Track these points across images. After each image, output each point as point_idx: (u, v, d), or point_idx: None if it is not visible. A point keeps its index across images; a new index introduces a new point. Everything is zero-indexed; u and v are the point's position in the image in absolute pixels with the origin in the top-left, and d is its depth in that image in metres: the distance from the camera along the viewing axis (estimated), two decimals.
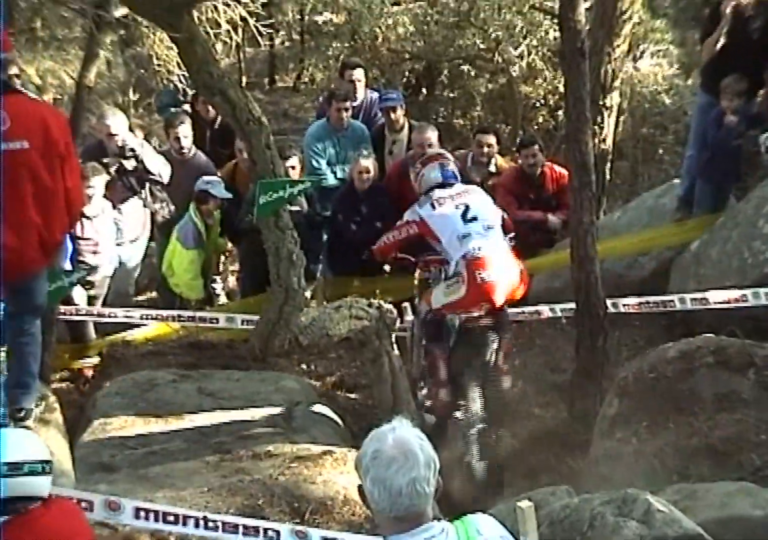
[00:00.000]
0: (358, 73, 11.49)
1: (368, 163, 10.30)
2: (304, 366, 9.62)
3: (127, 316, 9.47)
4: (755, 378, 7.16)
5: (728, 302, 8.64)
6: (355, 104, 11.26)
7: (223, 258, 11.52)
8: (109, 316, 9.48)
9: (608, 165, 12.58)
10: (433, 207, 7.85)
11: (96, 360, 9.60)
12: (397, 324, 8.40)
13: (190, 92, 11.29)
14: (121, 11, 8.72)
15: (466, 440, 7.82)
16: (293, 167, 9.96)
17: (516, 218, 10.13)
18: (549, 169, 10.58)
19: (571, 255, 8.31)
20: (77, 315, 9.35)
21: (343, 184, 10.80)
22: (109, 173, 9.89)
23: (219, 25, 9.50)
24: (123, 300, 10.30)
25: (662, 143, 15.91)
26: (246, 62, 20.21)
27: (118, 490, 6.59)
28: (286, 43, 21.56)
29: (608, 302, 8.44)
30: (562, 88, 11.46)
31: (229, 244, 11.26)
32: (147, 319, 9.55)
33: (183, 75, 9.57)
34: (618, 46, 11.97)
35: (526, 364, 9.50)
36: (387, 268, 10.30)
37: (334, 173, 11.02)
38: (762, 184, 9.62)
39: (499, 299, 7.78)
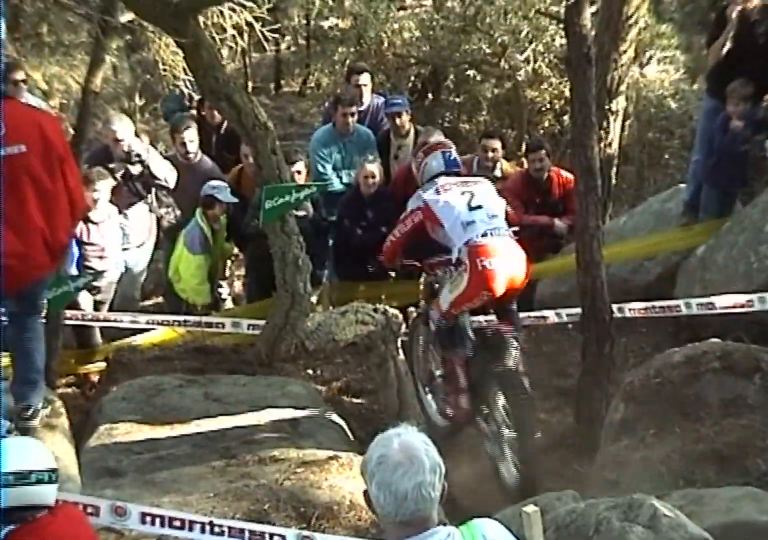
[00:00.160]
0: (365, 78, 11.50)
1: (374, 167, 10.31)
2: (310, 371, 9.61)
3: (133, 321, 9.46)
4: (761, 383, 7.16)
5: (734, 307, 8.63)
6: (361, 109, 11.27)
7: (229, 263, 11.51)
8: (116, 321, 9.49)
9: (614, 169, 12.57)
10: (438, 192, 7.75)
11: (102, 365, 9.61)
12: (403, 329, 8.40)
13: (196, 97, 11.30)
14: (127, 16, 8.73)
15: (496, 447, 7.74)
16: (299, 172, 9.96)
17: (522, 223, 10.13)
18: (555, 174, 10.59)
19: (576, 260, 8.30)
20: (83, 320, 9.35)
21: (348, 189, 10.81)
22: (115, 178, 9.91)
23: (224, 30, 9.48)
24: (129, 305, 10.31)
25: (668, 148, 15.91)
26: (252, 67, 20.19)
27: (124, 495, 6.60)
28: (292, 48, 21.56)
29: (614, 307, 8.44)
30: (567, 93, 11.47)
31: (236, 249, 11.26)
32: (153, 324, 9.55)
33: (189, 80, 9.57)
34: (624, 51, 11.97)
35: (532, 369, 9.50)
36: (392, 273, 10.29)
37: (340, 178, 11.02)
38: None
39: (499, 288, 7.63)
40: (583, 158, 8.04)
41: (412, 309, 9.30)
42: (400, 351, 8.27)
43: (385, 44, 15.88)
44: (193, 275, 10.19)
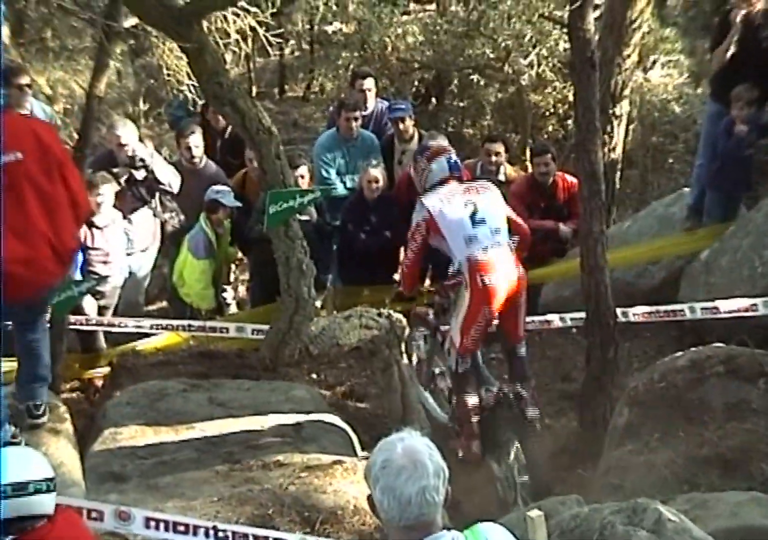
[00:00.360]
0: (369, 83, 11.51)
1: (377, 172, 10.31)
2: (314, 375, 9.60)
3: (137, 326, 9.48)
4: (765, 387, 7.16)
5: (738, 311, 8.63)
6: (365, 114, 11.28)
7: (233, 267, 11.52)
8: (120, 326, 9.51)
9: (618, 174, 12.58)
10: (442, 202, 7.65)
11: (106, 370, 9.61)
12: (406, 333, 8.39)
13: (200, 102, 11.32)
14: (130, 21, 8.74)
15: (509, 491, 7.70)
16: (302, 176, 9.98)
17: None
18: (560, 179, 10.58)
19: (581, 264, 8.29)
20: (88, 325, 9.38)
21: (352, 194, 10.82)
22: (119, 183, 9.93)
23: (228, 35, 9.51)
24: (133, 310, 10.32)
25: (672, 152, 15.88)
26: (256, 72, 20.20)
27: (128, 500, 6.61)
28: (296, 53, 21.53)
29: (618, 311, 8.43)
30: (571, 97, 11.47)
31: (240, 254, 11.27)
32: (157, 328, 9.56)
33: (193, 85, 9.57)
34: (628, 55, 11.98)
35: (536, 374, 9.50)
36: (396, 277, 10.28)
37: (344, 183, 11.03)
38: None
39: (498, 303, 7.67)
40: (587, 163, 8.03)
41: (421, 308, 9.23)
42: (404, 355, 8.27)
43: (389, 49, 15.86)
44: (197, 280, 10.20)
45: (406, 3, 16.67)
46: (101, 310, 9.83)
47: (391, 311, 8.27)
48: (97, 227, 9.59)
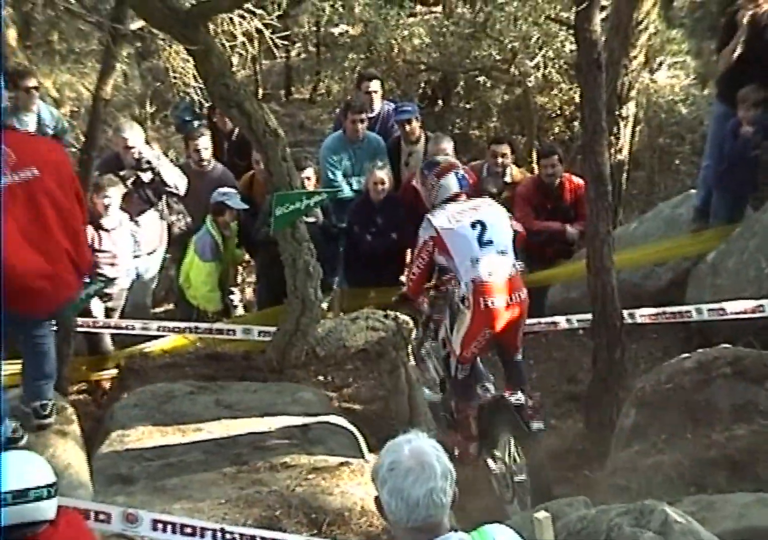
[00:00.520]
0: (375, 85, 11.51)
1: (383, 174, 10.32)
2: (321, 377, 9.63)
3: (144, 328, 9.48)
4: None
5: (745, 312, 8.62)
6: (371, 116, 11.28)
7: (240, 269, 11.53)
8: (127, 328, 9.51)
9: (624, 175, 12.57)
10: (450, 222, 7.69)
11: (113, 372, 9.63)
12: (413, 335, 8.39)
13: (207, 104, 11.34)
14: (137, 24, 8.76)
15: (504, 489, 7.73)
16: (308, 178, 9.97)
17: (534, 229, 10.14)
18: (567, 180, 10.57)
19: (587, 265, 8.29)
20: (95, 327, 9.39)
21: (358, 196, 10.82)
22: (125, 185, 9.94)
23: (235, 38, 9.52)
24: (140, 312, 10.33)
25: (679, 153, 15.88)
26: (262, 74, 20.23)
27: (135, 502, 6.62)
28: (302, 55, 21.57)
29: (625, 313, 8.44)
30: (578, 99, 11.46)
31: (247, 256, 11.27)
32: (164, 331, 9.56)
33: (199, 87, 9.59)
34: (634, 56, 11.97)
35: (543, 375, 9.50)
36: (403, 278, 10.28)
37: (350, 185, 11.03)
38: None
39: (500, 325, 7.72)
40: (593, 164, 8.04)
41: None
42: (411, 357, 8.27)
43: (395, 51, 15.87)
44: (203, 282, 10.22)
45: (413, 5, 16.67)
46: (108, 313, 9.84)
47: (398, 313, 8.25)
48: (105, 229, 9.61)
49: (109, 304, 9.84)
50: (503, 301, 7.57)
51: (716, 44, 10.72)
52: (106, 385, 9.62)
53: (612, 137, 11.26)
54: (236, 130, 11.07)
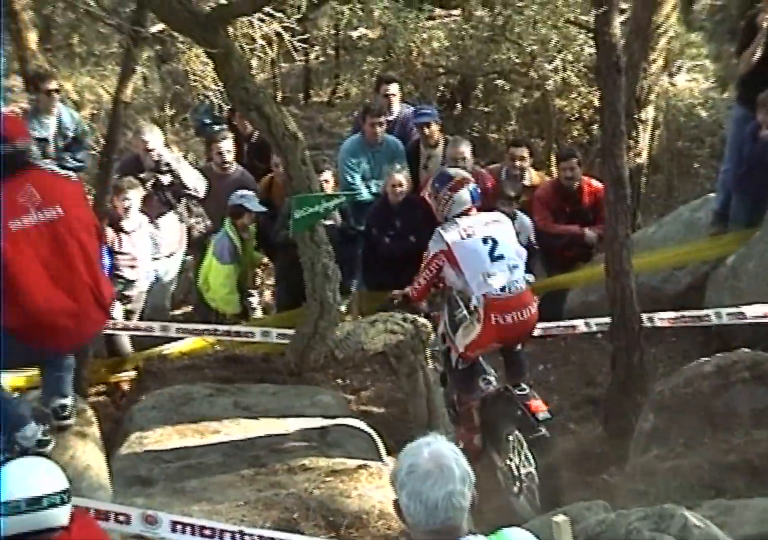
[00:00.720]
0: (394, 88, 11.52)
1: (401, 176, 10.32)
2: (339, 380, 9.64)
3: (163, 330, 9.50)
4: None
5: (764, 317, 8.60)
6: (390, 119, 11.29)
7: (259, 272, 11.54)
8: (146, 330, 9.53)
9: (643, 179, 12.55)
10: (461, 237, 7.71)
11: (132, 374, 9.66)
12: (432, 338, 8.39)
13: (226, 107, 11.37)
14: (157, 27, 8.78)
15: (510, 482, 7.77)
16: (326, 181, 9.98)
17: (552, 232, 10.14)
18: (586, 183, 10.56)
19: (606, 269, 8.28)
20: (114, 329, 9.40)
21: (377, 199, 10.83)
22: (145, 188, 9.97)
23: (254, 41, 9.53)
24: (159, 314, 10.35)
25: (698, 157, 15.84)
26: (281, 77, 20.24)
27: (154, 504, 6.64)
28: (321, 58, 21.58)
29: (644, 316, 8.42)
30: (596, 102, 11.45)
31: (265, 258, 11.29)
32: (183, 333, 9.58)
33: (219, 90, 9.61)
34: (654, 60, 11.96)
35: (561, 379, 9.49)
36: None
37: (369, 188, 11.03)
38: None
39: (509, 340, 7.77)
40: (612, 167, 8.03)
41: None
42: (430, 360, 8.28)
43: (414, 54, 15.85)
44: (222, 284, 10.23)
45: (432, 8, 16.64)
46: (128, 315, 9.88)
47: (416, 316, 8.25)
48: (125, 232, 9.65)
49: (129, 307, 9.87)
50: (514, 316, 7.61)
51: (736, 47, 10.69)
52: (125, 386, 9.64)
53: (631, 140, 11.25)
54: (256, 133, 11.09)
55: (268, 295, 12.38)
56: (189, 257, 11.07)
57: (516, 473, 7.72)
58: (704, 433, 7.10)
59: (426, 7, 16.21)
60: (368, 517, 6.78)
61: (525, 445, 7.57)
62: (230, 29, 7.81)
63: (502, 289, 7.57)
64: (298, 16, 9.94)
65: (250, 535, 6.17)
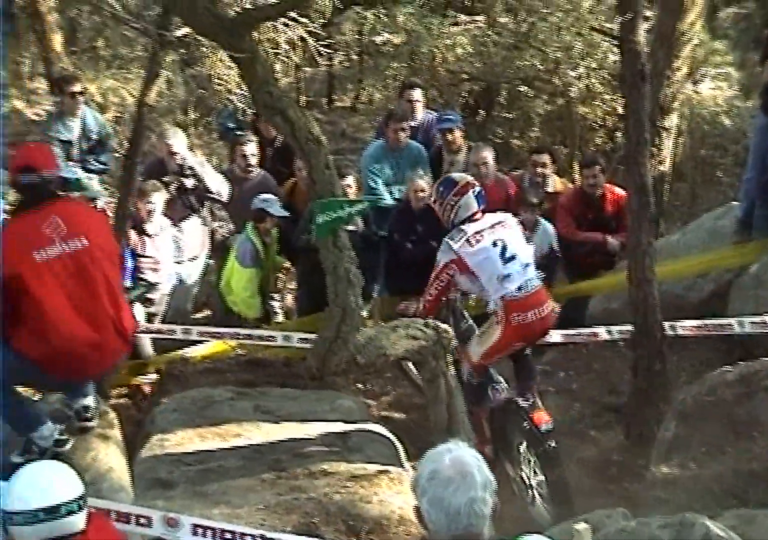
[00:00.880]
0: (418, 94, 11.52)
1: (423, 182, 10.31)
2: (360, 385, 9.64)
3: (185, 333, 9.52)
4: None
5: None
6: (414, 124, 11.29)
7: (281, 276, 11.54)
8: (168, 333, 9.56)
9: (667, 186, 12.53)
10: (470, 243, 7.73)
11: (154, 377, 9.68)
12: (453, 343, 8.39)
13: (249, 111, 11.40)
14: (182, 31, 8.80)
15: (524, 492, 7.83)
16: (349, 186, 9.99)
17: (575, 239, 10.13)
18: (608, 191, 10.53)
19: (628, 277, 8.28)
20: (136, 332, 9.41)
21: (399, 204, 10.83)
22: (169, 191, 10.00)
23: (278, 45, 9.55)
24: (181, 317, 10.38)
25: (721, 165, 15.80)
26: (304, 82, 20.28)
27: (175, 507, 6.64)
28: (345, 63, 21.59)
29: (666, 325, 8.41)
30: (620, 110, 11.44)
31: (287, 263, 11.29)
32: (205, 336, 9.60)
33: (242, 94, 9.63)
34: (678, 68, 11.94)
35: (583, 386, 9.47)
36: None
37: (391, 193, 11.02)
38: None
39: (531, 339, 7.84)
40: (636, 175, 8.02)
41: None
42: (451, 366, 8.27)
43: (438, 60, 15.87)
44: (243, 288, 10.23)
45: (456, 14, 16.65)
46: (150, 317, 9.90)
47: (438, 322, 8.24)
48: (148, 235, 9.68)
49: (151, 309, 9.90)
50: (534, 314, 7.67)
51: (760, 56, 10.68)
52: (147, 389, 9.67)
53: (654, 148, 11.24)
54: (279, 138, 11.10)
55: (290, 299, 12.39)
56: (211, 261, 11.08)
57: (528, 483, 7.80)
58: (726, 442, 7.08)
59: (450, 13, 16.26)
60: (388, 522, 6.78)
61: (533, 454, 7.62)
62: (255, 33, 7.83)
63: (519, 288, 7.64)
64: (323, 21, 9.97)
65: (271, 539, 6.17)
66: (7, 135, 16.49)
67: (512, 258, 7.70)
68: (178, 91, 17.22)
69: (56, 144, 10.61)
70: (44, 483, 4.68)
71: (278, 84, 7.88)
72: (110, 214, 10.17)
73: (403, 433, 8.43)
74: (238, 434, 7.78)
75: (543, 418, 7.67)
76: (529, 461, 7.74)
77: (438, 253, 7.97)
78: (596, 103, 15.49)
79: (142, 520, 6.10)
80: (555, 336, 9.11)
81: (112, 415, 7.82)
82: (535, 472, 7.72)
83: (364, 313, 8.90)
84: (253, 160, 10.73)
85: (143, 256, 9.64)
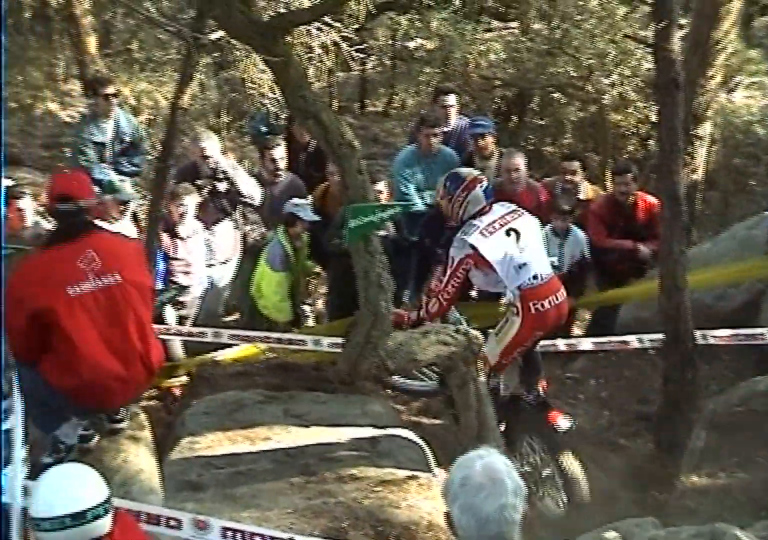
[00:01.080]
0: (451, 99, 11.51)
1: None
2: (390, 390, 9.64)
3: (215, 336, 9.54)
4: None
5: None
6: (447, 130, 11.28)
7: (312, 280, 11.56)
8: (199, 336, 9.58)
9: (699, 195, 12.48)
10: (484, 235, 7.71)
11: (185, 379, 9.69)
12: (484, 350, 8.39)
13: (282, 115, 11.43)
14: (216, 34, 8.84)
15: (532, 485, 7.80)
16: (381, 191, 9.99)
17: (606, 246, 10.10)
18: (640, 199, 10.49)
19: (660, 285, 8.26)
20: (167, 334, 9.45)
21: (430, 210, 10.82)
22: (201, 194, 10.04)
23: (311, 49, 9.58)
24: (212, 320, 10.41)
25: (754, 174, 15.72)
26: (337, 86, 20.30)
27: (204, 509, 6.66)
28: (378, 68, 21.63)
29: (697, 334, 8.38)
30: (653, 118, 11.41)
31: (318, 267, 11.31)
32: (235, 339, 9.62)
33: (275, 98, 9.66)
34: (712, 76, 11.90)
35: (613, 394, 9.45)
36: (474, 293, 10.27)
37: (423, 199, 11.01)
38: None
39: (550, 325, 7.83)
40: (669, 184, 8.01)
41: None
42: (482, 372, 8.27)
43: (471, 66, 15.88)
44: (274, 292, 10.24)
45: (489, 20, 16.67)
46: (181, 320, 9.94)
47: (469, 328, 8.24)
48: (180, 238, 9.71)
49: (182, 312, 9.94)
50: (551, 301, 7.69)
51: None
52: (177, 392, 9.68)
53: (687, 156, 11.20)
54: (312, 142, 11.13)
55: (320, 303, 12.40)
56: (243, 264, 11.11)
57: (537, 478, 7.80)
58: (756, 453, 7.06)
59: (483, 19, 16.29)
60: (417, 528, 6.78)
61: (538, 448, 7.62)
62: (288, 37, 7.85)
63: (534, 277, 7.65)
64: (356, 26, 9.99)
65: None
66: (41, 136, 16.66)
67: (526, 247, 7.71)
68: (211, 94, 17.30)
69: (89, 146, 10.68)
70: (69, 488, 4.69)
71: (311, 88, 7.89)
72: (142, 217, 10.25)
73: (432, 438, 8.43)
74: (267, 438, 7.81)
75: (558, 416, 7.68)
76: (535, 456, 7.74)
77: (450, 250, 7.93)
78: (629, 110, 15.45)
79: (172, 523, 6.11)
80: (585, 343, 9.11)
81: (143, 416, 7.87)
82: (542, 466, 7.71)
83: None
84: (281, 164, 10.74)
85: (175, 259, 9.68)
